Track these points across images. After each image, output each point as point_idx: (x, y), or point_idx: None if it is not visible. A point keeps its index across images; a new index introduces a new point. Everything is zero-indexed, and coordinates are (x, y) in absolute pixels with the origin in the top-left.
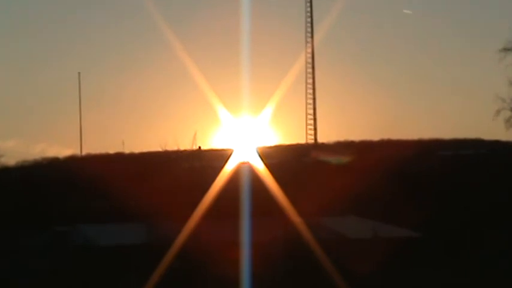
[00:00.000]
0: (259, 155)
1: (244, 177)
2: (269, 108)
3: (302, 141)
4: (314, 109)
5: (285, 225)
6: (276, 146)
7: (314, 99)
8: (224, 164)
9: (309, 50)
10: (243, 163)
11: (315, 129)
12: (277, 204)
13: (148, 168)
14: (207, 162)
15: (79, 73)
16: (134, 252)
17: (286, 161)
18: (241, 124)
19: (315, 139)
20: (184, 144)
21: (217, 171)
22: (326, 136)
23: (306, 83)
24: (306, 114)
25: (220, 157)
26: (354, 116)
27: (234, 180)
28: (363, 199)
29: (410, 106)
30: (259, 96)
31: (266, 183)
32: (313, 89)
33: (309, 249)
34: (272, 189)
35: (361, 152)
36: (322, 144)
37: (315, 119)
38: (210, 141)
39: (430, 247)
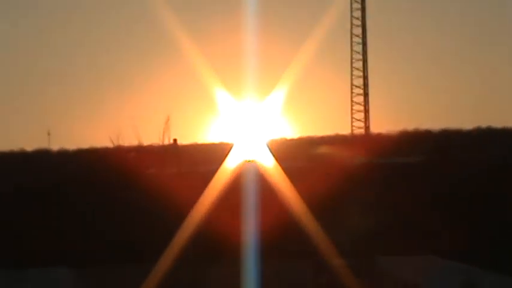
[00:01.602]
0: (273, 154)
1: (249, 191)
2: (288, 82)
3: (345, 131)
4: (364, 80)
5: (319, 269)
6: (300, 139)
7: (365, 61)
8: (216, 169)
9: None
10: (248, 163)
11: (367, 111)
12: (304, 235)
13: (89, 176)
14: (189, 165)
15: None
16: None
17: (318, 163)
18: (245, 106)
19: (367, 127)
20: (151, 136)
21: (204, 180)
22: (383, 123)
23: (351, 35)
24: (351, 89)
25: (209, 157)
26: (427, 95)
27: (231, 196)
28: (448, 228)
29: None
30: (273, 61)
31: (285, 199)
32: (364, 43)
33: None
34: (295, 210)
35: (443, 147)
36: (379, 135)
37: (365, 95)
38: (194, 132)
39: None
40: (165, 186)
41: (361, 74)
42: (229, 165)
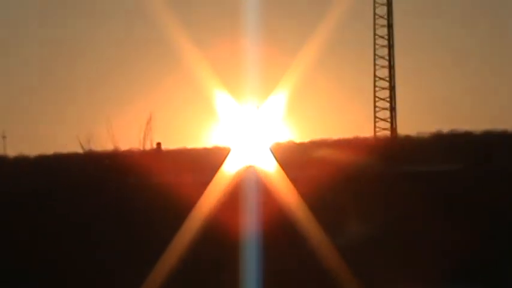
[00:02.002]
0: (278, 160)
1: (248, 203)
2: (296, 77)
3: (366, 133)
4: (390, 71)
5: None
6: (311, 143)
7: (391, 47)
8: (209, 178)
9: None
10: (247, 170)
11: (393, 109)
12: (317, 261)
13: (53, 188)
14: (175, 174)
15: None
16: None
17: (331, 171)
18: (244, 108)
19: (393, 129)
20: (129, 140)
21: (195, 191)
22: (413, 123)
23: (374, 16)
24: (374, 82)
25: (201, 164)
26: (467, 89)
27: (226, 210)
28: (496, 252)
29: None
30: (279, 55)
31: (291, 214)
32: (389, 26)
33: None
34: (306, 229)
35: (486, 152)
36: (408, 138)
37: (392, 89)
38: (184, 136)
39: None
40: (146, 199)
41: (386, 63)
42: (225, 173)
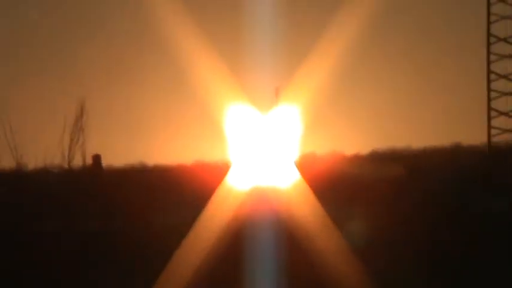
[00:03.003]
0: (307, 180)
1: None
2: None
3: (474, 138)
4: None
5: None
6: (374, 154)
7: None
8: (191, 217)
9: None
10: (256, 194)
11: None
12: None
13: None
14: (124, 213)
15: None
16: None
17: (408, 204)
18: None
19: None
20: (45, 152)
21: (160, 240)
22: None
23: None
24: (488, 50)
25: (173, 191)
26: None
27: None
28: None
29: None
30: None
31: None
32: None
33: None
34: None
35: None
36: None
37: None
38: (142, 146)
39: None
40: (71, 257)
41: (509, 10)
42: (218, 203)
